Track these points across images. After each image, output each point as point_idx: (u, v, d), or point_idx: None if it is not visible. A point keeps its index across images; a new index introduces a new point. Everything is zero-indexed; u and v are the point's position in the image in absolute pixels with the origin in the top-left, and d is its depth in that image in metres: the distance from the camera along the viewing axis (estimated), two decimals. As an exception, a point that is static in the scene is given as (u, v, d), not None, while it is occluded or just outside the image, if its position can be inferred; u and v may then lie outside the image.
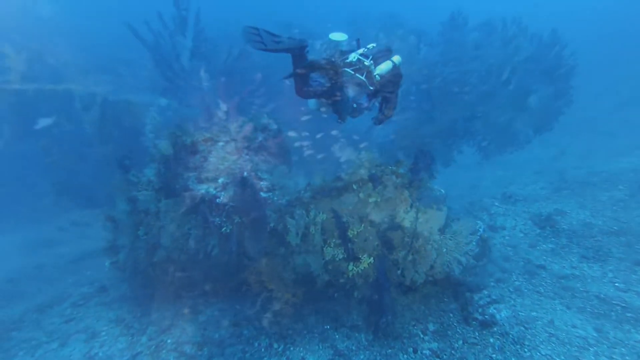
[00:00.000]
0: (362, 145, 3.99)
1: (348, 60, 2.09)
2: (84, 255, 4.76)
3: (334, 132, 3.97)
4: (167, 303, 3.20)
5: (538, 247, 4.73)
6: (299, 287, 2.91)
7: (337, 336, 3.28)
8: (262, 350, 2.82)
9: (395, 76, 2.33)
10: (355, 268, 3.54)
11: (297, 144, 4.18)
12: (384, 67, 2.26)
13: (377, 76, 2.17)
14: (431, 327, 3.94)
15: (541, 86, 3.24)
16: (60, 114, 5.94)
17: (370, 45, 2.21)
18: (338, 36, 2.31)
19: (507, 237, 7.29)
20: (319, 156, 3.96)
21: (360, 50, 2.21)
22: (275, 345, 2.91)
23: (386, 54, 2.34)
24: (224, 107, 2.07)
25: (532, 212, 5.53)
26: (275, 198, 2.72)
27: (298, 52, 1.94)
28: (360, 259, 3.35)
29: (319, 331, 3.19)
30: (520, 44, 3.46)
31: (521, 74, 3.43)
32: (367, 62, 2.13)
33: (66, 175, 6.32)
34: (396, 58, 2.33)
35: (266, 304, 2.78)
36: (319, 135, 3.73)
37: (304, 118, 3.61)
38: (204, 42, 2.32)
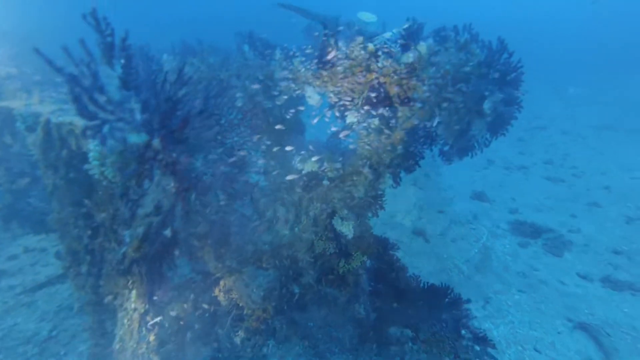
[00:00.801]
0: (321, 157, 3.91)
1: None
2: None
3: (288, 148, 3.87)
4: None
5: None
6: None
7: (319, 336, 3.15)
8: None
9: None
10: (346, 265, 3.43)
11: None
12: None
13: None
14: (422, 336, 3.90)
15: (494, 91, 3.29)
16: (3, 133, 5.49)
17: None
18: (367, 16, 2.17)
19: (507, 246, 7.49)
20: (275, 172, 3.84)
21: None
22: None
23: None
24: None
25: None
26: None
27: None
28: (352, 255, 3.23)
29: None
30: (473, 50, 3.50)
31: (475, 79, 3.47)
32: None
33: (13, 199, 5.83)
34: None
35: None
36: (275, 149, 3.61)
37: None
38: (136, 69, 2.06)
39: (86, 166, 1.90)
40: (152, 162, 1.70)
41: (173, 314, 3.70)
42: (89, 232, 3.01)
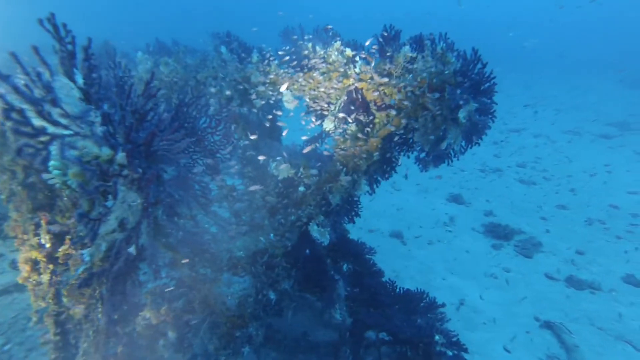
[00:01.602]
0: (297, 163, 3.88)
1: None
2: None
3: (261, 158, 3.82)
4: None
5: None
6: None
7: (296, 342, 3.10)
8: None
9: None
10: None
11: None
12: None
13: None
14: (397, 340, 3.92)
15: (469, 100, 3.34)
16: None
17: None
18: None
19: (481, 247, 7.70)
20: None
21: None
22: None
23: None
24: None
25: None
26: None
27: None
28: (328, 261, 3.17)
29: None
30: (449, 58, 3.55)
31: (451, 88, 3.52)
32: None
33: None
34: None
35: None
36: (248, 153, 3.56)
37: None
38: (98, 79, 1.90)
39: (45, 176, 1.78)
40: (116, 178, 1.60)
41: (144, 322, 3.58)
42: (52, 240, 2.86)
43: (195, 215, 2.48)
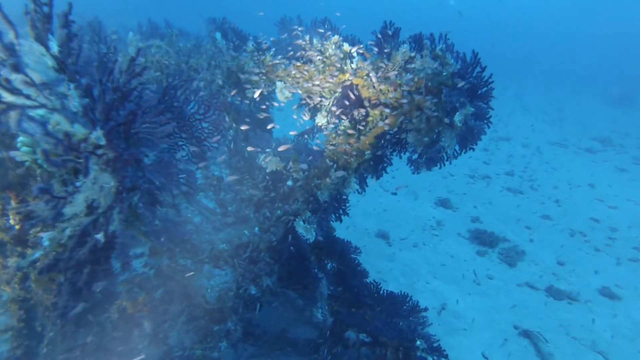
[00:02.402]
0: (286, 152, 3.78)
1: None
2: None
3: (249, 149, 3.70)
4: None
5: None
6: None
7: (275, 339, 3.00)
8: None
9: None
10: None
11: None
12: None
13: None
14: (378, 342, 3.88)
15: (466, 104, 3.29)
16: None
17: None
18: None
19: (466, 253, 7.70)
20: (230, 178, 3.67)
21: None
22: None
23: None
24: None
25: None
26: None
27: None
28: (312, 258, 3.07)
29: None
30: (448, 60, 3.49)
31: (448, 90, 3.46)
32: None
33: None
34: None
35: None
36: (237, 143, 3.44)
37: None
38: (77, 49, 1.72)
39: (13, 153, 1.64)
40: (88, 155, 1.48)
41: (115, 315, 3.44)
42: (21, 221, 2.69)
43: (177, 204, 2.35)
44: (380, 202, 9.57)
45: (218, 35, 4.91)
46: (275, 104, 4.98)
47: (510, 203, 10.61)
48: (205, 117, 2.36)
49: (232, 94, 4.29)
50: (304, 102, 4.26)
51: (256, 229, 3.95)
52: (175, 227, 2.75)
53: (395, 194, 8.32)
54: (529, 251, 8.19)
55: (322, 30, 4.41)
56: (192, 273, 3.30)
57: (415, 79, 3.52)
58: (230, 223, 3.84)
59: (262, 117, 4.47)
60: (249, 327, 5.00)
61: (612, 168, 14.15)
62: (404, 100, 3.59)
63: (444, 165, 3.90)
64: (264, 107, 4.48)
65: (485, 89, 3.43)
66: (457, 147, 3.70)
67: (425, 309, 4.76)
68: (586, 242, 8.90)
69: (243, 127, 3.85)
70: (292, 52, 4.61)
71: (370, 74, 3.81)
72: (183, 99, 2.23)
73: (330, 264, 5.31)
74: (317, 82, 4.09)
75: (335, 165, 3.72)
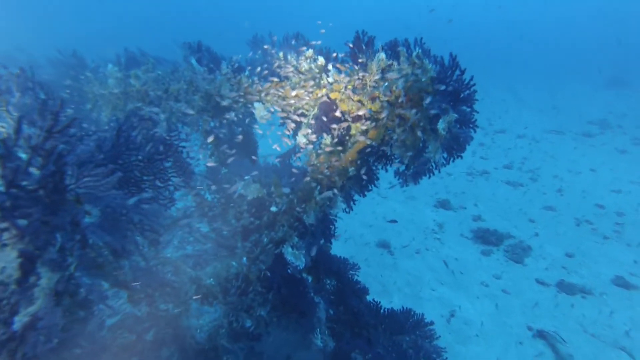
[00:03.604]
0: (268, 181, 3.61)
1: None
2: None
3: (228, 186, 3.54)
4: None
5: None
6: None
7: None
8: None
9: None
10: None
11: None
12: None
13: None
14: None
15: (448, 110, 3.12)
16: None
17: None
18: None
19: (471, 255, 7.51)
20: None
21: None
22: None
23: None
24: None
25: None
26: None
27: None
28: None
29: None
30: (425, 65, 3.32)
31: (429, 96, 3.29)
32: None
33: None
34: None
35: None
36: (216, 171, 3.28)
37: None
38: None
39: None
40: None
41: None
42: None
43: (143, 252, 2.18)
44: (379, 211, 9.37)
45: (193, 60, 4.80)
46: (256, 127, 4.84)
47: (511, 197, 10.39)
48: (166, 156, 2.20)
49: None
50: (282, 121, 4.11)
51: (244, 259, 3.77)
52: (150, 272, 2.57)
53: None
54: (535, 246, 7.96)
55: (295, 45, 4.28)
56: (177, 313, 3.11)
57: (394, 88, 3.36)
58: (214, 257, 3.66)
59: (242, 141, 4.32)
60: (251, 356, 4.79)
61: (612, 151, 13.94)
62: (384, 112, 3.43)
63: (433, 174, 3.72)
64: (240, 130, 4.33)
65: (467, 92, 3.26)
66: (445, 155, 3.53)
67: (432, 323, 4.54)
68: (593, 230, 8.66)
69: (230, 159, 3.69)
70: (267, 71, 4.48)
71: (347, 87, 3.66)
72: (140, 140, 2.08)
73: (328, 284, 5.11)
74: (293, 101, 3.95)
75: (319, 187, 3.55)
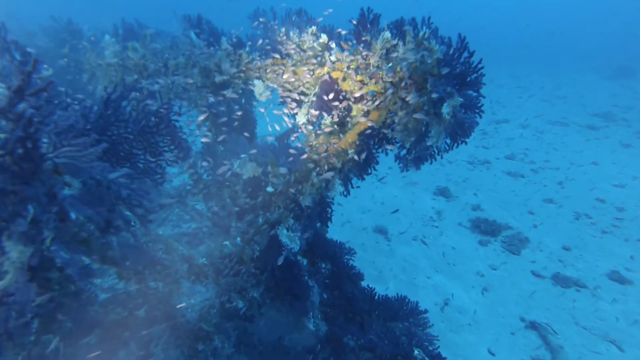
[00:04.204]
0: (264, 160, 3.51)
1: None
2: None
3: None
4: None
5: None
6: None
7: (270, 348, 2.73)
8: None
9: None
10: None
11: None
12: None
13: None
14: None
15: (453, 94, 3.00)
16: None
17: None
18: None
19: (468, 244, 7.42)
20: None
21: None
22: None
23: None
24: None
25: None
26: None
27: None
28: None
29: None
30: (432, 46, 3.17)
31: (434, 79, 3.16)
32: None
33: None
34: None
35: None
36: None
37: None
38: None
39: None
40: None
41: (94, 340, 3.22)
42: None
43: (134, 229, 2.10)
44: (377, 196, 9.31)
45: (192, 34, 4.64)
46: (255, 104, 4.71)
47: (511, 188, 10.31)
48: (157, 130, 2.10)
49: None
50: (281, 100, 3.98)
51: (238, 239, 3.71)
52: (140, 249, 2.51)
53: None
54: (533, 238, 7.93)
55: (297, 22, 4.11)
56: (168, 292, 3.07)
57: (398, 69, 3.22)
58: (208, 236, 3.60)
59: (237, 116, 4.20)
60: (244, 337, 4.80)
61: (615, 144, 13.76)
62: (388, 92, 3.30)
63: (435, 160, 3.62)
64: (238, 107, 4.20)
65: (474, 75, 3.13)
66: (448, 140, 3.42)
67: (426, 311, 4.53)
68: (592, 224, 8.62)
69: (220, 138, 3.58)
70: (269, 47, 4.32)
71: (350, 67, 3.51)
72: (130, 111, 1.97)
73: (324, 268, 5.08)
74: (294, 79, 3.81)
75: (317, 168, 3.46)
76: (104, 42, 4.85)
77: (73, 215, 1.54)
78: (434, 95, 3.08)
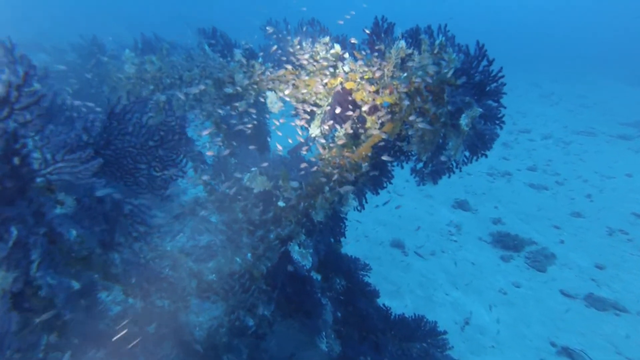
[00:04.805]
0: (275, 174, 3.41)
1: None
2: None
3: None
4: None
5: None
6: None
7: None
8: None
9: None
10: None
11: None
12: None
13: None
14: None
15: (472, 104, 2.84)
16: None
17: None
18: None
19: (489, 259, 7.05)
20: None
21: None
22: None
23: None
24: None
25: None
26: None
27: None
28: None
29: None
30: (449, 55, 3.04)
31: (451, 89, 3.01)
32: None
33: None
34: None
35: None
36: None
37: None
38: None
39: None
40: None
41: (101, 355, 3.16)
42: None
43: (136, 248, 2.03)
44: (393, 209, 9.08)
45: (206, 46, 4.68)
46: (267, 116, 4.67)
47: (534, 201, 9.87)
48: (162, 143, 2.04)
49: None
50: (294, 112, 3.91)
51: (248, 255, 3.61)
52: (145, 266, 2.44)
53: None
54: (560, 254, 7.50)
55: (310, 32, 4.05)
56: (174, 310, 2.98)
57: (413, 79, 3.09)
58: (217, 251, 3.51)
59: (248, 129, 4.16)
60: (255, 353, 4.67)
61: (650, 155, 13.04)
62: (405, 103, 3.17)
63: (454, 173, 3.44)
64: (247, 120, 4.15)
65: (494, 85, 2.96)
66: (467, 153, 3.24)
67: (445, 332, 4.28)
68: (629, 241, 8.08)
69: (225, 153, 3.54)
70: (284, 58, 4.28)
71: (364, 77, 3.41)
72: (133, 124, 1.92)
73: (338, 283, 4.91)
74: (305, 90, 3.74)
75: (330, 183, 3.34)
76: (124, 56, 4.95)
77: (67, 235, 1.48)
78: (451, 107, 2.93)
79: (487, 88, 2.97)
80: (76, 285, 1.73)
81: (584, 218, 8.96)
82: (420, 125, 3.14)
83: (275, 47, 4.36)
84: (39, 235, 1.40)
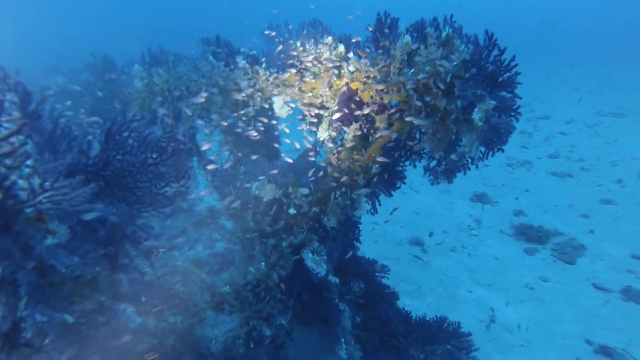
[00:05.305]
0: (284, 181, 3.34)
1: None
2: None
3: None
4: None
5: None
6: None
7: None
8: None
9: None
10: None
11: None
12: None
13: None
14: None
15: (484, 97, 2.68)
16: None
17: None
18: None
19: (512, 253, 6.80)
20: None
21: None
22: None
23: None
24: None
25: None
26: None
27: None
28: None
29: None
30: (456, 47, 2.89)
31: (461, 82, 2.86)
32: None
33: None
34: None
35: None
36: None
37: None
38: None
39: None
40: None
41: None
42: None
43: (137, 265, 2.00)
44: (410, 206, 8.88)
45: (210, 55, 4.67)
46: (275, 122, 4.61)
47: (558, 190, 9.47)
48: (162, 160, 1.99)
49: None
50: (300, 117, 3.83)
51: (262, 264, 3.55)
52: (153, 284, 2.41)
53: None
54: (590, 245, 7.14)
55: (312, 33, 3.96)
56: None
57: (420, 75, 2.95)
58: (230, 263, 3.47)
59: (261, 138, 4.10)
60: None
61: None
62: (417, 103, 3.03)
63: (469, 170, 3.29)
64: (252, 128, 4.11)
65: (507, 75, 2.80)
66: (482, 149, 3.08)
67: (469, 334, 4.11)
68: (664, 227, 7.63)
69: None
70: (290, 61, 4.21)
71: (369, 75, 3.30)
72: (133, 142, 1.88)
73: (356, 287, 4.81)
74: (311, 93, 3.65)
75: (342, 187, 3.24)
76: (133, 72, 5.00)
77: (58, 267, 1.44)
78: (462, 102, 2.78)
79: (500, 79, 2.81)
80: (69, 319, 1.69)
81: (615, 205, 8.50)
82: (431, 123, 3.00)
83: (280, 47, 4.30)
84: (26, 270, 1.36)
